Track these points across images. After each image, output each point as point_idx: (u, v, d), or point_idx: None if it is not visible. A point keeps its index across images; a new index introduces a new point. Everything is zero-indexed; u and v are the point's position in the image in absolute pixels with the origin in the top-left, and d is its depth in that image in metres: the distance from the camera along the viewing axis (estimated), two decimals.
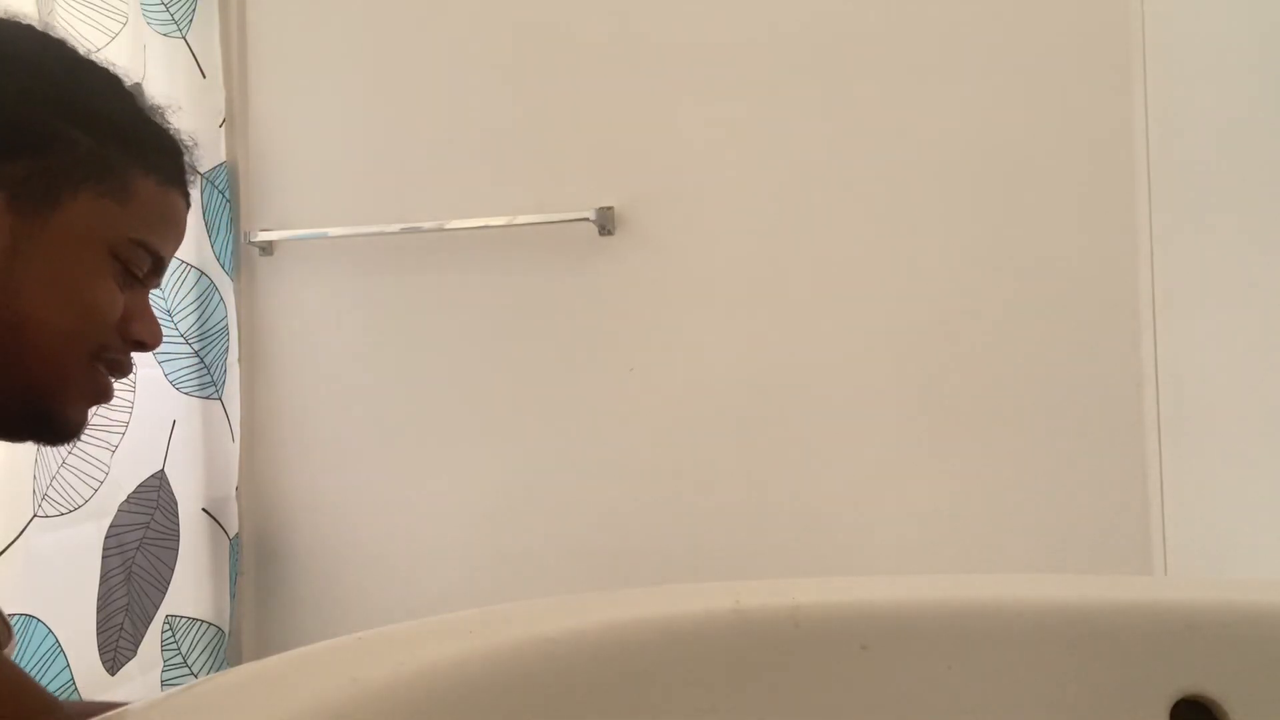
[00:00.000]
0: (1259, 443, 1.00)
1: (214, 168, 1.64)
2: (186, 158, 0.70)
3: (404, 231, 1.59)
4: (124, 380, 0.71)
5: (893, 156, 1.44)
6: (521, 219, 1.53)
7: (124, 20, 1.48)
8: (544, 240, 1.56)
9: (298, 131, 1.69)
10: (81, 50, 0.66)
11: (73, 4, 1.44)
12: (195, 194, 1.59)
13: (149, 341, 0.67)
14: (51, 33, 0.66)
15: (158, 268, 0.67)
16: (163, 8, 1.57)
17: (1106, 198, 1.36)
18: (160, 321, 0.69)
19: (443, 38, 1.62)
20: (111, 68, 0.67)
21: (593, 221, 1.51)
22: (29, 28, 0.65)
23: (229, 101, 1.68)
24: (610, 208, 1.53)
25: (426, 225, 1.58)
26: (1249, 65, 1.02)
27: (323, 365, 1.67)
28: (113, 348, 0.65)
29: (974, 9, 1.41)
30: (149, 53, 1.55)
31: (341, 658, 0.37)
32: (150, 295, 0.69)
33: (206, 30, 1.64)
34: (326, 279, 1.67)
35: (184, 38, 1.60)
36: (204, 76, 1.63)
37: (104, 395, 0.66)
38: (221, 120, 1.66)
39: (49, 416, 0.63)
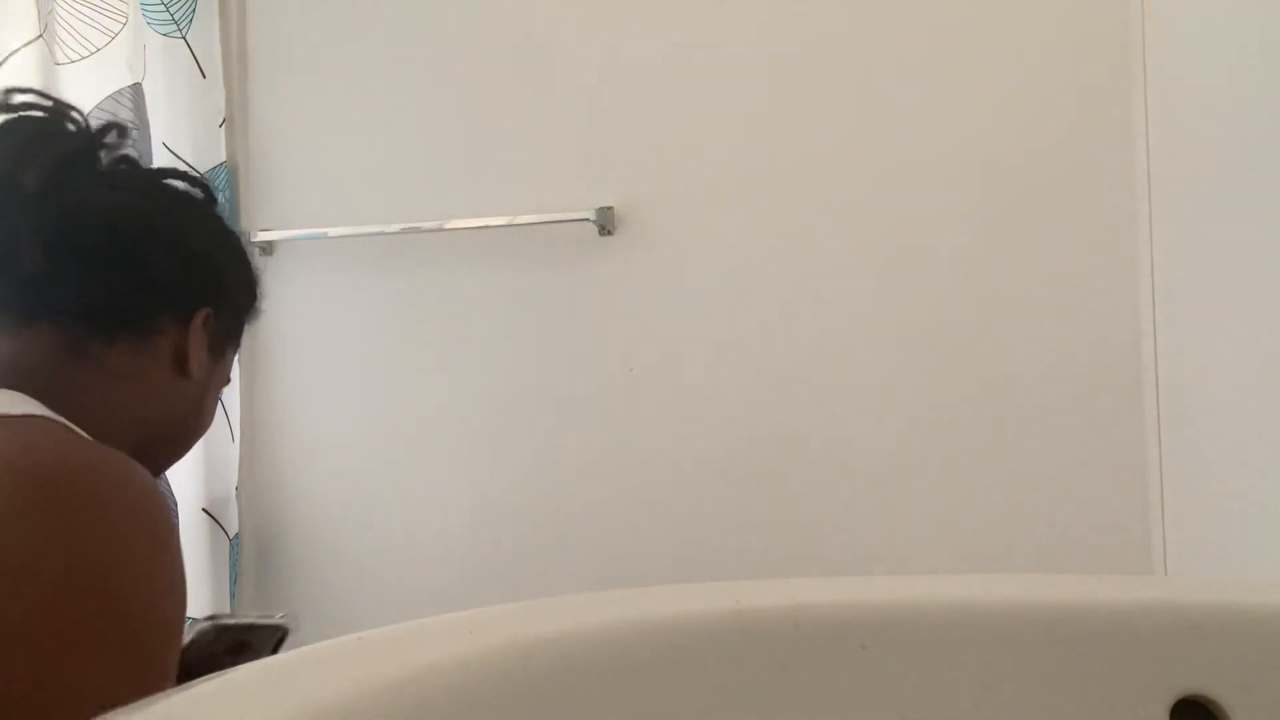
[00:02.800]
0: (1259, 443, 1.00)
1: (214, 168, 1.64)
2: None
3: (404, 231, 1.59)
4: None
5: (892, 157, 1.44)
6: (521, 219, 1.53)
7: (124, 20, 1.48)
8: (544, 240, 1.56)
9: (298, 131, 1.69)
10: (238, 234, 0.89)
11: (73, 4, 1.44)
12: None
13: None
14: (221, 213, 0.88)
15: None
16: (163, 8, 1.57)
17: (1106, 198, 1.36)
18: None
19: (443, 38, 1.62)
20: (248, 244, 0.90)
21: (593, 221, 1.51)
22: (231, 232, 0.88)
23: (229, 101, 1.68)
24: (610, 208, 1.53)
25: (426, 225, 1.58)
26: (1249, 65, 1.02)
27: (323, 365, 1.67)
28: None
29: (974, 10, 1.41)
30: (149, 53, 1.55)
31: (341, 658, 0.37)
32: None
33: (206, 30, 1.64)
34: (326, 279, 1.67)
35: (184, 38, 1.60)
36: (204, 76, 1.63)
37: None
38: (221, 120, 1.66)
39: (157, 472, 0.82)
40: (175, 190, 0.80)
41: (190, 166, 1.60)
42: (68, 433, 0.65)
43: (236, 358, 0.90)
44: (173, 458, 0.82)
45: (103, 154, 0.74)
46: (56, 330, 0.71)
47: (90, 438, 0.66)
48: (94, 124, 0.75)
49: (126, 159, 0.77)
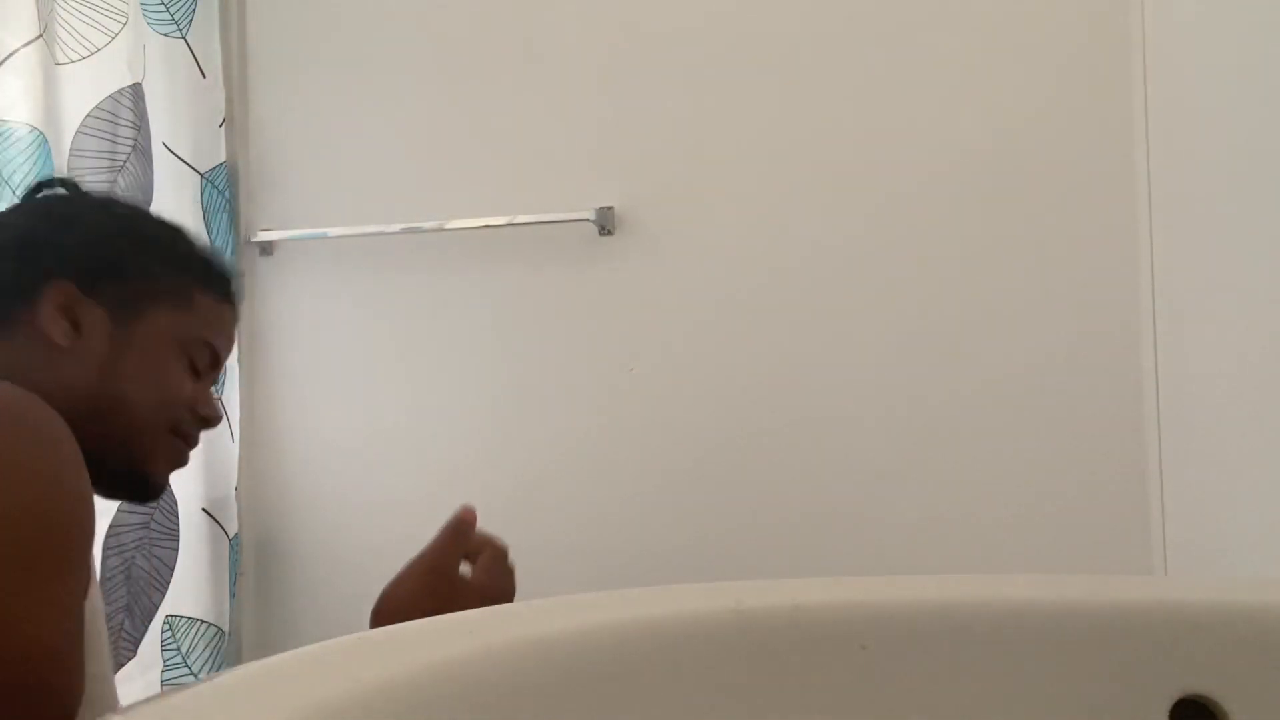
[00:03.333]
0: (1259, 443, 1.00)
1: (214, 168, 1.64)
2: (234, 282, 0.91)
3: (404, 231, 1.59)
4: None
5: (893, 157, 1.44)
6: (521, 219, 1.53)
7: (124, 20, 1.48)
8: (544, 240, 1.56)
9: (298, 131, 1.69)
10: (148, 209, 0.92)
11: (73, 4, 1.44)
12: (197, 203, 1.60)
13: (212, 418, 0.88)
14: (138, 203, 0.91)
15: (215, 363, 0.88)
16: (163, 8, 1.57)
17: (1106, 198, 1.36)
18: None
19: (443, 38, 1.62)
20: (175, 222, 0.91)
21: (593, 221, 1.51)
22: (125, 200, 0.92)
23: (229, 101, 1.68)
24: (610, 208, 1.53)
25: (426, 225, 1.58)
26: (1249, 65, 1.02)
27: (323, 365, 1.67)
28: (185, 422, 0.85)
29: (974, 9, 1.41)
30: (149, 53, 1.54)
31: (341, 658, 0.37)
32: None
33: (206, 30, 1.64)
34: (326, 279, 1.67)
35: (184, 38, 1.60)
36: (204, 76, 1.63)
37: (181, 461, 0.87)
38: (221, 120, 1.66)
39: (140, 479, 0.84)
40: (28, 196, 0.86)
41: (190, 166, 1.60)
42: None
43: (233, 352, 0.90)
44: (129, 439, 0.81)
45: None
46: None
47: None
48: None
49: None
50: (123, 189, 1.44)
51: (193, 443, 0.88)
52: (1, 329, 0.79)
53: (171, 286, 0.85)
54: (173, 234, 0.89)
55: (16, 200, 0.84)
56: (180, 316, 0.85)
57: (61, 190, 0.88)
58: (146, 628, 1.47)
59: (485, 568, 0.92)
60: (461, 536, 0.92)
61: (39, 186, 0.88)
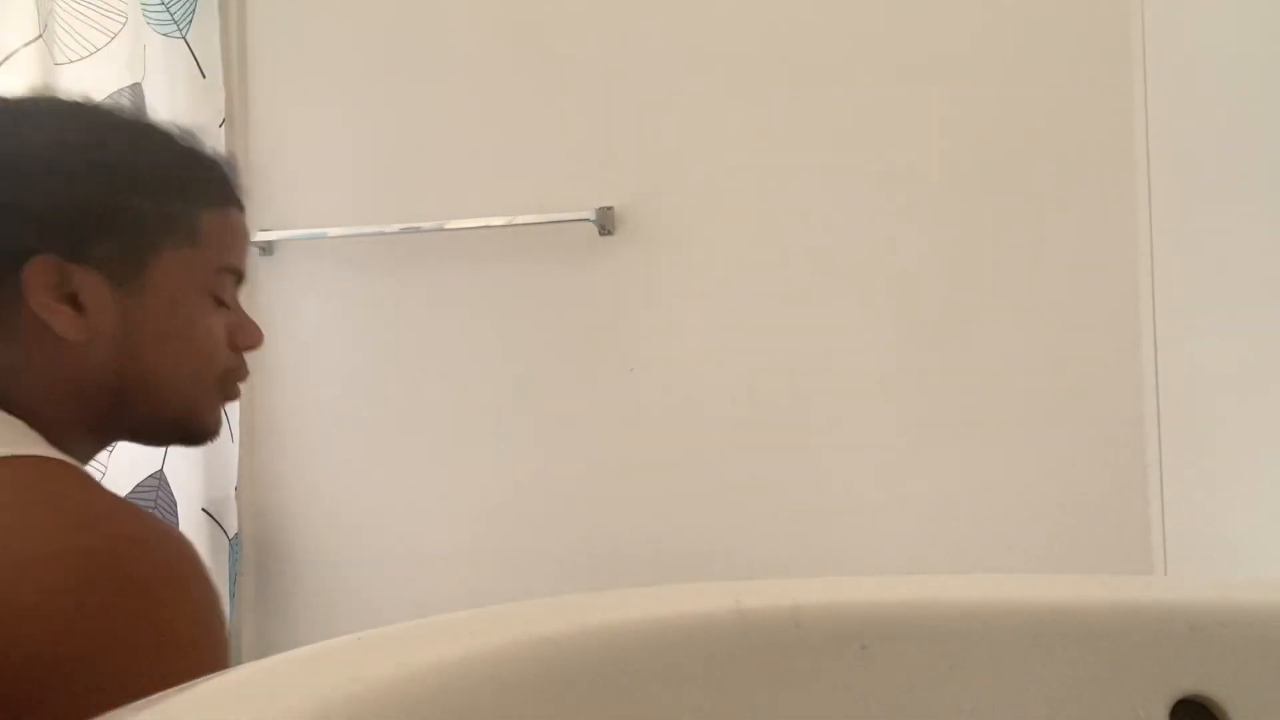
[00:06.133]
0: (1259, 442, 1.00)
1: None
2: (230, 175, 0.74)
3: (404, 231, 1.59)
4: None
5: (892, 156, 1.44)
6: (521, 219, 1.53)
7: (124, 20, 1.48)
8: (544, 240, 1.56)
9: (298, 131, 1.69)
10: (109, 108, 0.72)
11: (73, 4, 1.44)
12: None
13: (254, 344, 0.75)
14: (83, 101, 0.70)
15: (240, 280, 0.74)
16: (163, 8, 1.57)
17: (1106, 198, 1.36)
18: None
19: (442, 38, 1.62)
20: (140, 116, 0.72)
21: (593, 221, 1.51)
22: (67, 104, 0.70)
23: (229, 101, 1.68)
24: (610, 208, 1.53)
25: (426, 225, 1.58)
26: (1249, 65, 1.02)
27: (322, 365, 1.67)
28: (230, 367, 0.73)
29: (974, 9, 1.41)
30: (149, 53, 1.55)
31: (341, 658, 0.37)
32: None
33: (206, 30, 1.64)
34: (326, 279, 1.67)
35: (184, 38, 1.60)
36: (204, 76, 1.63)
37: (232, 397, 0.75)
38: (221, 120, 1.66)
39: (192, 430, 0.72)
40: None
41: None
42: (85, 484, 0.60)
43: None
44: (167, 406, 0.69)
45: None
46: None
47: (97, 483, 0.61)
48: None
49: None
50: None
51: (243, 376, 0.76)
52: None
53: (172, 217, 0.68)
54: (146, 141, 0.70)
55: None
56: (191, 253, 0.69)
57: None
58: None
59: None
60: None
61: None
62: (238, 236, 0.74)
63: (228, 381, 0.74)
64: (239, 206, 0.74)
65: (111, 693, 0.49)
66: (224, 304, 0.72)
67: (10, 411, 0.62)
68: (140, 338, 0.67)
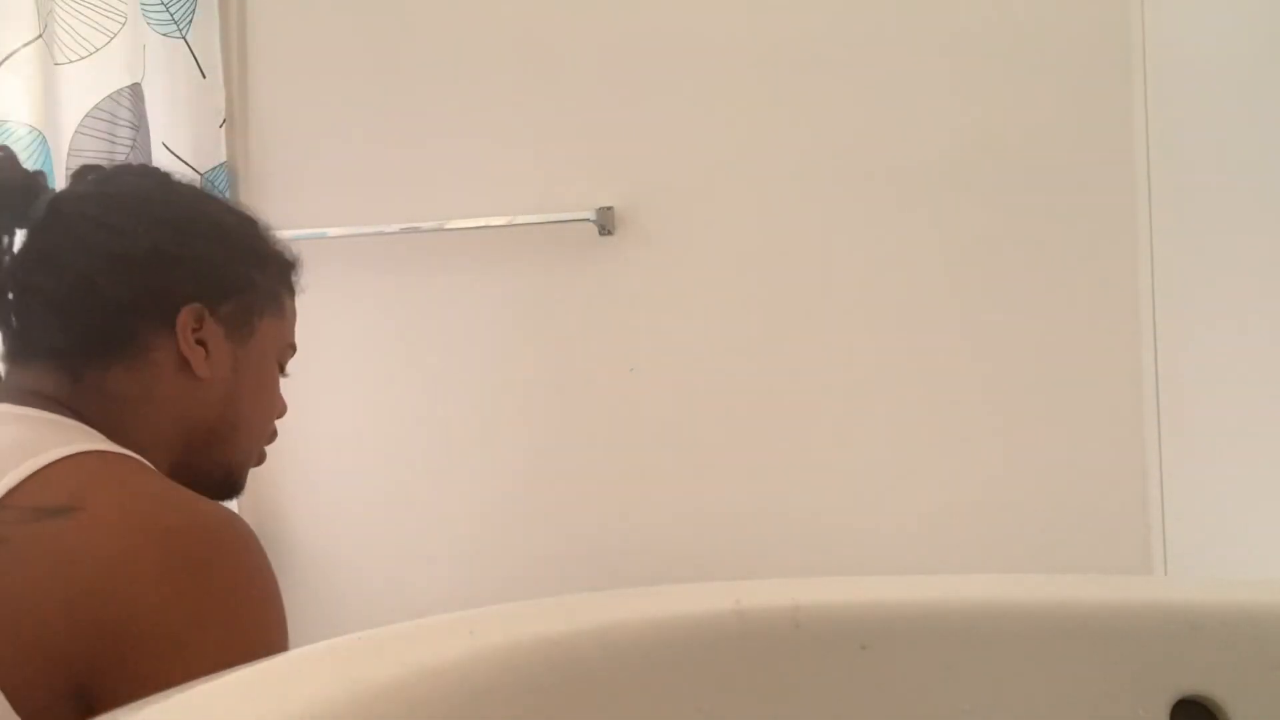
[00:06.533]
0: (1259, 442, 1.00)
1: (214, 168, 1.64)
2: (299, 268, 0.89)
3: (404, 231, 1.59)
4: None
5: (892, 156, 1.44)
6: (521, 219, 1.53)
7: (124, 20, 1.48)
8: (544, 240, 1.56)
9: (298, 131, 1.69)
10: (224, 198, 0.88)
11: (73, 4, 1.44)
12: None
13: (284, 412, 0.90)
14: (207, 188, 0.84)
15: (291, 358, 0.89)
16: (163, 8, 1.57)
17: (1106, 198, 1.36)
18: None
19: (443, 38, 1.62)
20: (242, 208, 0.85)
21: (593, 221, 1.51)
22: (198, 191, 0.83)
23: (229, 101, 1.68)
24: (610, 208, 1.53)
25: (426, 225, 1.58)
26: (1249, 66, 1.02)
27: (322, 365, 1.67)
28: (273, 429, 0.88)
29: (974, 9, 1.41)
30: (149, 53, 1.55)
31: (341, 658, 0.37)
32: None
33: (206, 30, 1.64)
34: (326, 279, 1.66)
35: (184, 38, 1.60)
36: (204, 76, 1.63)
37: (261, 461, 0.88)
38: (221, 120, 1.66)
39: (233, 485, 0.83)
40: (112, 198, 0.76)
41: (190, 166, 1.60)
42: (160, 476, 0.68)
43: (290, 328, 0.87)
44: (235, 453, 0.81)
45: (38, 197, 0.73)
46: (58, 365, 0.73)
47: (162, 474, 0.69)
48: (23, 168, 0.75)
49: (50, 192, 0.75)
50: None
51: (273, 439, 0.89)
52: (122, 362, 0.73)
53: (270, 294, 0.82)
54: (256, 230, 0.84)
55: (51, 188, 0.76)
56: (279, 324, 0.83)
57: (147, 180, 0.79)
58: None
59: None
60: None
61: (122, 170, 0.80)
62: (296, 319, 0.89)
63: (267, 442, 0.87)
64: (294, 295, 0.89)
65: (191, 653, 0.59)
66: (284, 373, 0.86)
67: (117, 438, 0.70)
68: (241, 385, 0.79)
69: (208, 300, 0.76)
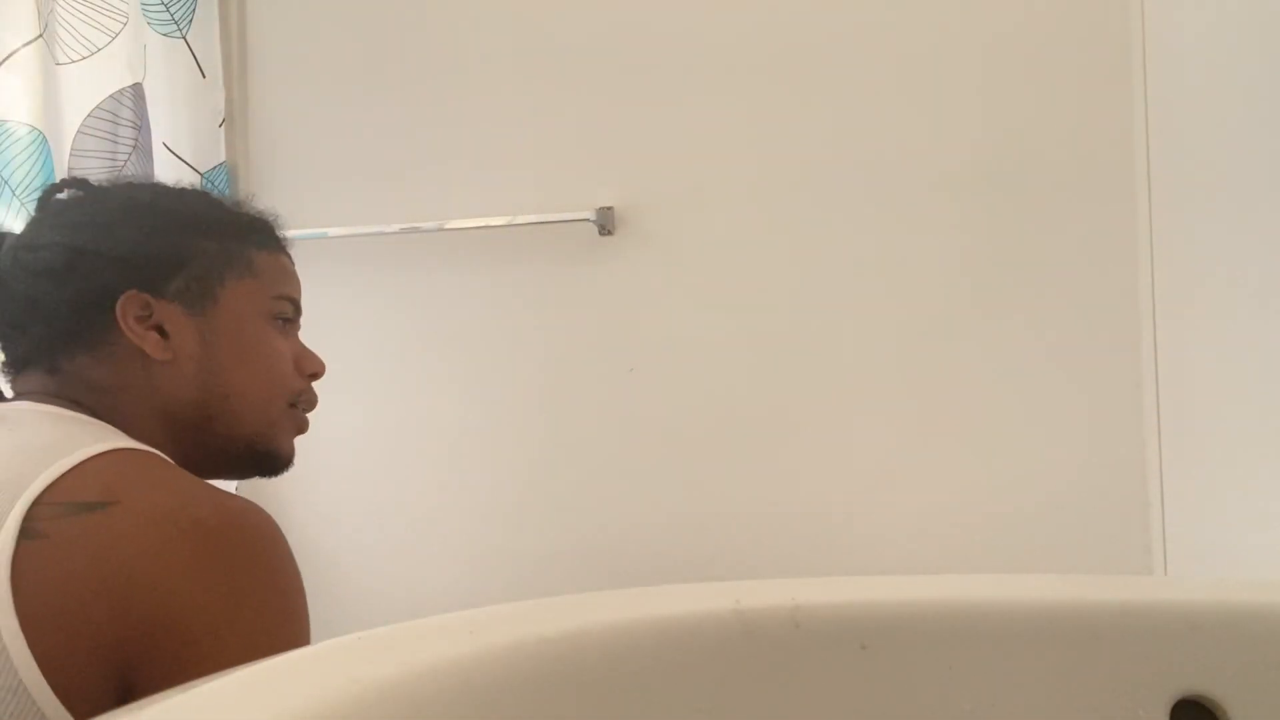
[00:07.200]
0: (1259, 442, 1.00)
1: (214, 168, 1.64)
2: (276, 228, 0.89)
3: (404, 231, 1.59)
4: None
5: (893, 156, 1.44)
6: (521, 219, 1.53)
7: (124, 20, 1.48)
8: (544, 240, 1.56)
9: (298, 131, 1.69)
10: (173, 182, 0.87)
11: (73, 4, 1.44)
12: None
13: (318, 371, 0.87)
14: (153, 180, 0.84)
15: (297, 310, 0.87)
16: (163, 8, 1.57)
17: (1107, 198, 1.36)
18: None
19: (443, 38, 1.62)
20: (200, 186, 0.86)
21: (593, 221, 1.51)
22: (141, 181, 0.86)
23: (229, 101, 1.68)
24: (610, 208, 1.53)
25: (426, 225, 1.58)
26: (1249, 66, 1.02)
27: None
28: (299, 389, 0.84)
29: (974, 9, 1.41)
30: (149, 53, 1.55)
31: (341, 658, 0.37)
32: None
33: (206, 30, 1.64)
34: (326, 279, 1.67)
35: (184, 38, 1.60)
36: (204, 76, 1.63)
37: (303, 427, 0.86)
38: (221, 120, 1.66)
39: (267, 456, 0.83)
40: (37, 221, 0.80)
41: (191, 166, 1.60)
42: (180, 470, 0.70)
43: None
44: (241, 424, 0.80)
45: None
46: (42, 364, 0.77)
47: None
48: None
49: None
50: None
51: (312, 403, 0.87)
52: (87, 352, 0.76)
53: (229, 256, 0.81)
54: (203, 202, 0.85)
55: (24, 206, 0.82)
56: (252, 284, 0.82)
57: (77, 192, 0.83)
58: None
59: None
60: None
61: (51, 191, 0.84)
62: (288, 273, 0.87)
63: (297, 405, 0.84)
64: (286, 254, 0.88)
65: (224, 641, 0.61)
66: (290, 324, 0.85)
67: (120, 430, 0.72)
68: (218, 355, 0.78)
69: (147, 284, 0.76)
